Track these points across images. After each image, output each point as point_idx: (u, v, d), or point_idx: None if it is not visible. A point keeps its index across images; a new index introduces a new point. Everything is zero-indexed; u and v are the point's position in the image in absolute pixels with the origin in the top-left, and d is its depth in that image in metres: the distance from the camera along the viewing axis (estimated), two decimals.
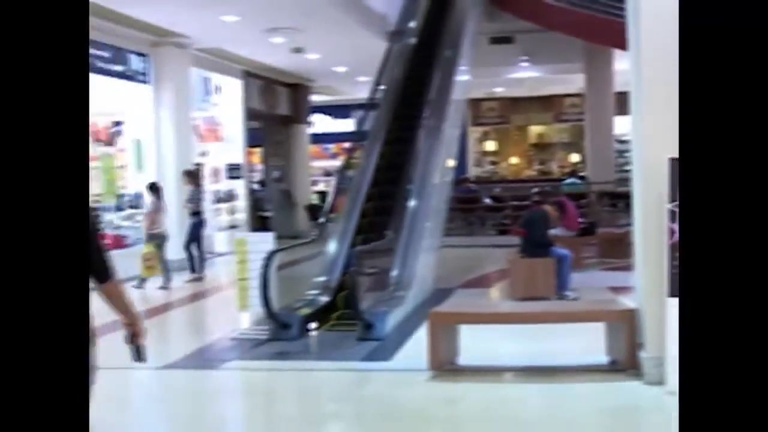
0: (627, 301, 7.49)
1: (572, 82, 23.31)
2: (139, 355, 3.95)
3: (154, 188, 12.91)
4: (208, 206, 16.95)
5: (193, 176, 13.92)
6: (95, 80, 13.53)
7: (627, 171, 20.04)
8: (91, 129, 14.89)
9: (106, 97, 14.38)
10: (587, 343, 7.24)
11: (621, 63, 17.57)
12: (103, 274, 3.71)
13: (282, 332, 8.63)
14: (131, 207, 14.29)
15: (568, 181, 20.81)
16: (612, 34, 13.65)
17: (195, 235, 13.49)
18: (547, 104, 28.39)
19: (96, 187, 14.12)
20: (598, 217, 17.84)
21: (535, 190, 17.11)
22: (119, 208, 14.08)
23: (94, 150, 14.68)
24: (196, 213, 13.56)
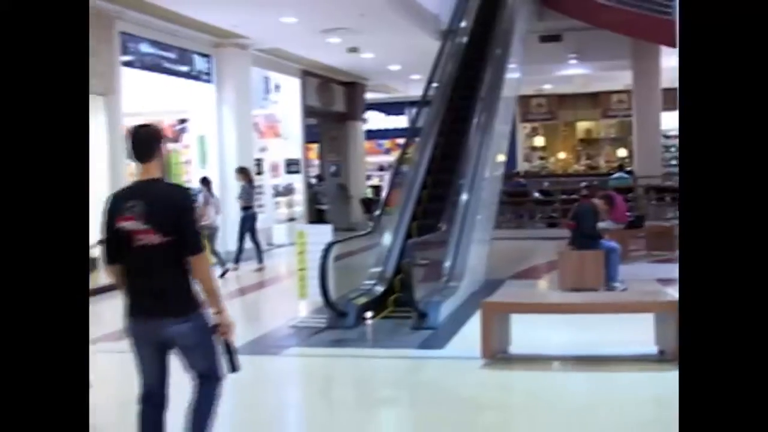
0: (675, 293, 7.36)
1: (620, 78, 23.02)
2: (231, 362, 4.10)
3: (204, 182, 13.04)
4: (268, 200, 17.15)
5: (245, 173, 14.01)
6: (162, 80, 13.76)
7: (674, 165, 19.79)
8: (158, 126, 15.11)
9: (172, 96, 14.60)
10: (636, 333, 7.14)
11: (668, 59, 17.30)
12: (192, 248, 4.00)
13: (339, 320, 8.67)
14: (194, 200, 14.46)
15: (616, 175, 20.53)
16: (660, 31, 13.44)
17: (245, 228, 13.60)
18: (594, 100, 28.08)
19: None
20: (645, 210, 17.61)
21: (583, 184, 16.97)
22: None
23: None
24: (247, 207, 13.66)
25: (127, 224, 3.95)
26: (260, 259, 13.63)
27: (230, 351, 4.09)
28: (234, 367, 4.11)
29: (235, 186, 14.24)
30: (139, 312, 4.05)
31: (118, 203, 4.06)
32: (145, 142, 4.16)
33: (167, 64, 13.85)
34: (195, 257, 3.99)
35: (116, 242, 4.05)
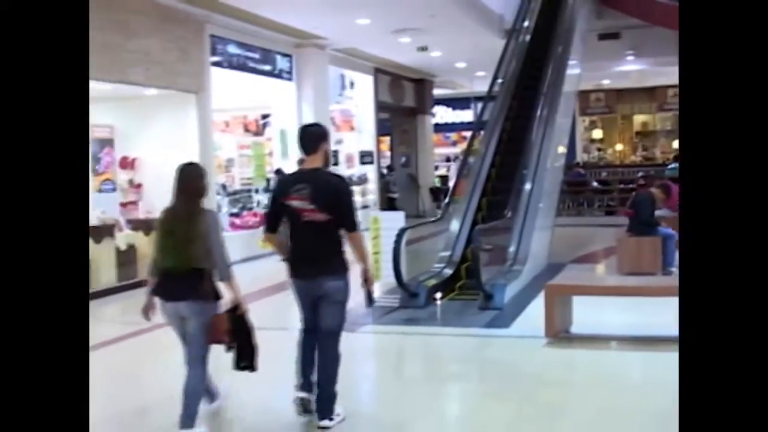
0: None
1: (675, 73, 22.13)
2: (369, 300, 4.88)
3: (278, 173, 13.21)
4: None
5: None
6: (247, 78, 13.93)
7: None
8: (242, 121, 15.32)
9: (256, 93, 14.77)
10: None
11: None
12: (349, 226, 4.63)
13: (411, 301, 8.70)
14: None
15: (672, 165, 20.05)
16: None
17: None
18: (651, 95, 27.46)
19: (248, 171, 14.58)
20: None
21: (640, 174, 16.64)
22: (267, 190, 14.42)
23: (246, 139, 15.12)
24: None
25: (296, 203, 4.53)
26: None
27: (370, 293, 4.85)
28: (371, 302, 4.89)
29: None
30: (301, 273, 4.70)
31: (285, 185, 4.67)
32: (312, 138, 4.71)
33: (252, 64, 14.00)
34: (352, 233, 4.64)
35: (278, 216, 4.67)
